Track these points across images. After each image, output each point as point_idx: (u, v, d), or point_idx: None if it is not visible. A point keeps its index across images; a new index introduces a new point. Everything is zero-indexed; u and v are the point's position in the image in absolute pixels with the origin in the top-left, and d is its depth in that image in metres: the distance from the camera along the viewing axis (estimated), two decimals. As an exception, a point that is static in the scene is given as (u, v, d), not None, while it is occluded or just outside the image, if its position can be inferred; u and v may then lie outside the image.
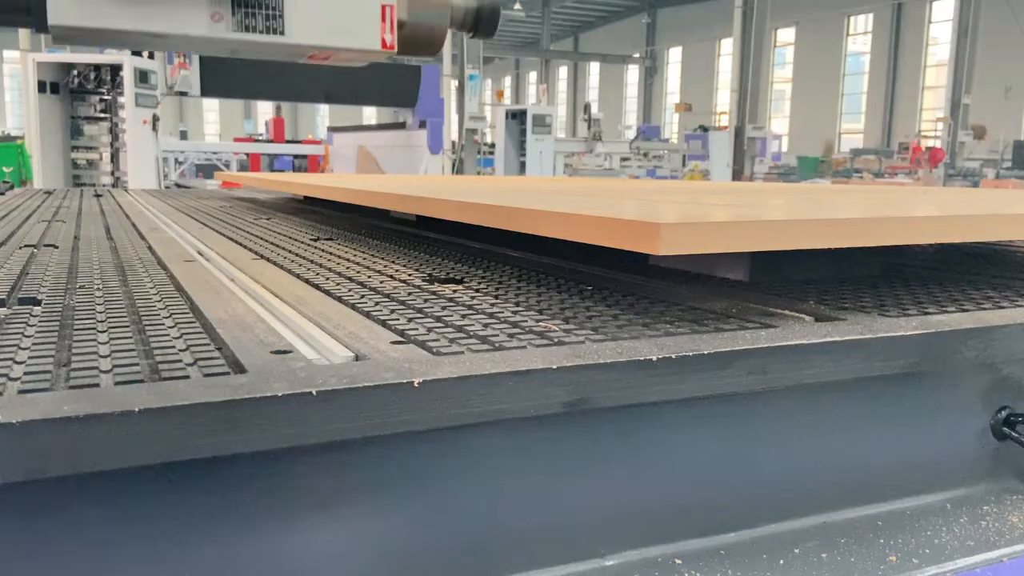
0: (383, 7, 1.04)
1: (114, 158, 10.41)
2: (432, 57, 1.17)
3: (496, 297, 1.35)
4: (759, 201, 1.89)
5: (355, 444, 0.83)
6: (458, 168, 14.86)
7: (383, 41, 1.04)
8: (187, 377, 0.85)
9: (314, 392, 0.78)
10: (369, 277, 1.55)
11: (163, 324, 1.12)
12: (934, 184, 14.71)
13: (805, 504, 1.08)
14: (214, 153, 17.47)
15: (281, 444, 0.78)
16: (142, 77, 9.94)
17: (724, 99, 27.31)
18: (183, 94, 11.30)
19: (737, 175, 16.79)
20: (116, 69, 9.95)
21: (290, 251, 1.98)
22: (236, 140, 22.15)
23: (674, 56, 35.43)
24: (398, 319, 1.15)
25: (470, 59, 15.51)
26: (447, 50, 15.80)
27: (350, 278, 1.53)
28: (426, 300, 1.31)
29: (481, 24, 1.17)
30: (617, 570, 0.97)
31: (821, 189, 3.51)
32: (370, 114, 33.21)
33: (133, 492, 0.77)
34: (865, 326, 1.11)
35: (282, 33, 0.98)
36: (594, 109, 18.60)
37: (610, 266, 1.63)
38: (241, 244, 2.12)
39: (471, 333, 1.07)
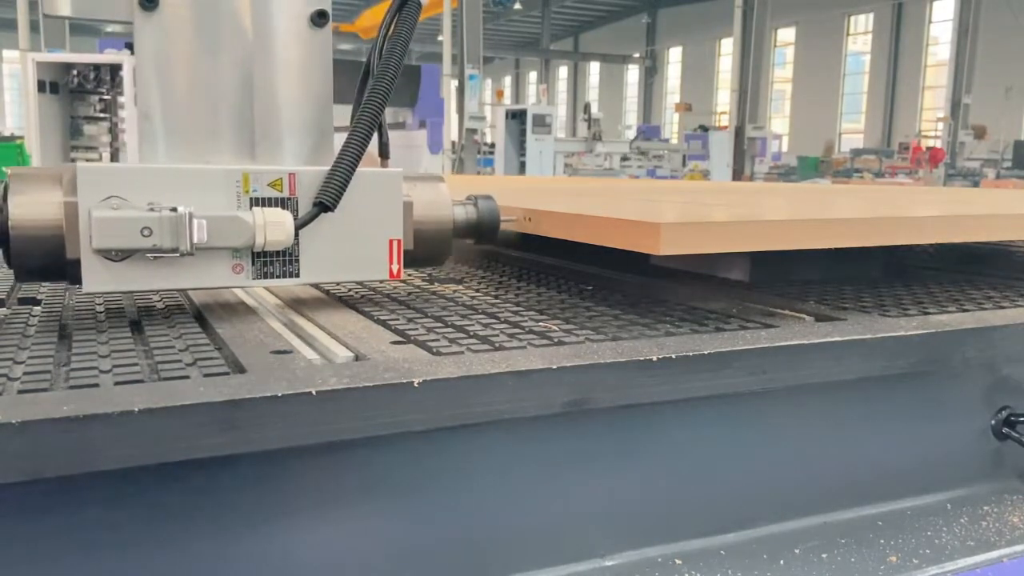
0: (391, 241, 1.11)
1: (114, 158, 10.38)
2: (439, 266, 1.26)
3: (496, 297, 1.35)
4: (759, 201, 1.88)
5: (355, 444, 0.83)
6: (458, 168, 14.84)
7: (391, 271, 1.12)
8: (187, 377, 0.85)
9: (314, 392, 0.78)
10: (369, 277, 1.55)
11: (162, 324, 1.12)
12: (934, 184, 14.71)
13: (805, 504, 1.08)
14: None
15: (281, 444, 0.78)
16: (142, 77, 9.90)
17: (724, 99, 27.27)
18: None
19: (737, 175, 16.79)
20: (116, 69, 9.89)
21: (290, 251, 1.97)
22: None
23: (674, 56, 35.41)
24: (398, 319, 1.15)
25: (470, 59, 15.48)
26: (447, 50, 15.78)
27: (350, 278, 1.53)
28: (426, 300, 1.31)
29: (483, 233, 1.24)
30: (617, 570, 0.96)
31: (821, 189, 3.50)
32: (370, 114, 33.03)
33: (133, 492, 0.77)
34: (865, 326, 1.11)
35: (297, 276, 1.06)
36: (594, 109, 18.55)
37: (610, 266, 1.63)
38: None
39: (471, 333, 1.07)
